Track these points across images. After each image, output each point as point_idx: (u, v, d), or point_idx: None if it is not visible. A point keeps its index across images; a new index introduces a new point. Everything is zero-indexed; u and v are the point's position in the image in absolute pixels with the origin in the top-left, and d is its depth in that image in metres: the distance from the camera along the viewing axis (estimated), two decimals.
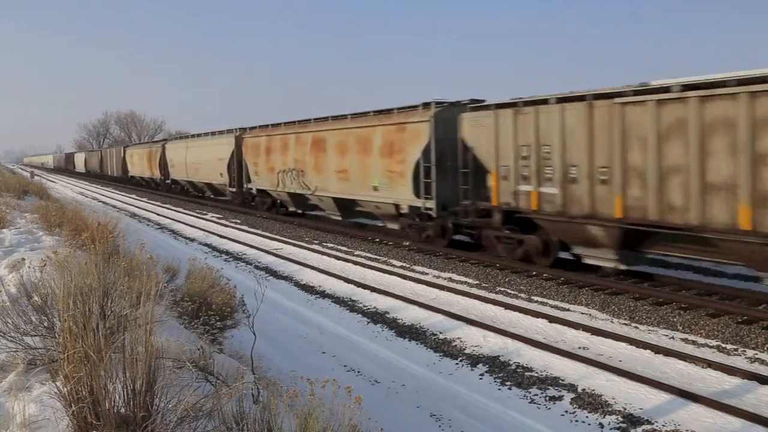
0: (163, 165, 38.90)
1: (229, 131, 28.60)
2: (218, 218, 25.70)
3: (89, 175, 72.19)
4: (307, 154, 20.59)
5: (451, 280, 12.77)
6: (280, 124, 24.01)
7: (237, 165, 26.76)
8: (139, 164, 46.14)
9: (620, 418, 6.38)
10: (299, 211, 23.55)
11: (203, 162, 31.02)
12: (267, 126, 25.18)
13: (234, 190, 27.54)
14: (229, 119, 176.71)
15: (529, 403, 6.94)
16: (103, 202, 35.18)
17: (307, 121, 21.71)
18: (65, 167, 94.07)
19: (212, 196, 33.08)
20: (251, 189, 25.72)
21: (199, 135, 33.73)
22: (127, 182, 52.00)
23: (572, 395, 6.99)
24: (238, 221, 24.33)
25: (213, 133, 31.33)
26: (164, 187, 40.72)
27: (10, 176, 34.38)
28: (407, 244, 16.81)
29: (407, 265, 14.41)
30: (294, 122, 22.86)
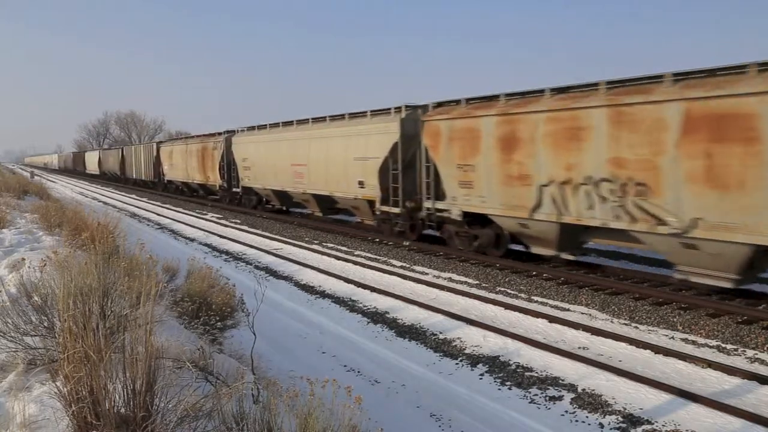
0: (227, 167, 28.44)
1: (377, 112, 17.80)
2: (218, 218, 25.69)
3: (104, 179, 61.28)
4: (667, 149, 9.67)
5: (451, 280, 12.77)
6: (540, 91, 12.45)
7: (402, 168, 16.21)
8: (183, 166, 34.33)
9: (620, 418, 6.38)
10: (567, 257, 12.77)
11: (318, 163, 20.05)
12: (490, 98, 13.72)
13: (396, 210, 16.53)
14: (229, 119, 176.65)
15: (529, 403, 6.94)
16: (103, 202, 35.18)
17: (643, 80, 10.40)
18: (73, 168, 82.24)
19: (320, 215, 22.10)
20: (446, 212, 14.69)
21: (301, 121, 21.86)
22: (162, 189, 40.38)
23: (572, 395, 6.99)
24: (238, 221, 24.32)
25: (338, 117, 19.80)
26: (227, 198, 29.22)
27: (10, 176, 34.39)
28: (407, 244, 16.71)
29: (407, 265, 14.41)
30: (585, 87, 11.55)
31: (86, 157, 72.51)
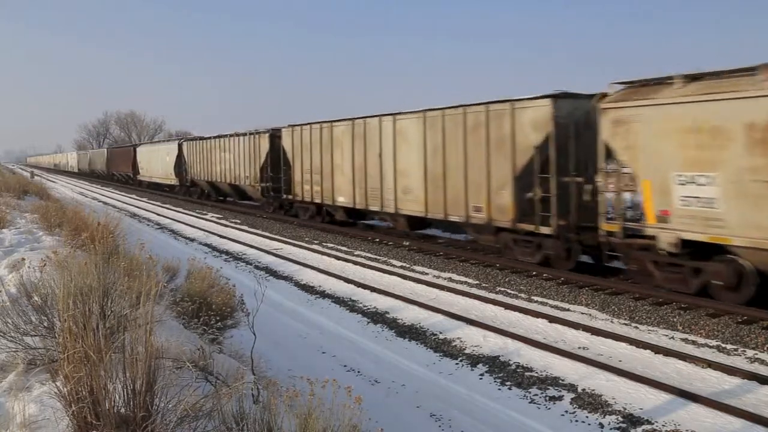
0: None
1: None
2: (218, 218, 25.68)
3: (187, 198, 33.70)
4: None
5: (451, 280, 12.77)
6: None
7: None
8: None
9: (620, 418, 6.38)
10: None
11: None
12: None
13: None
14: (229, 119, 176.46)
15: (529, 403, 6.94)
16: (103, 202, 35.17)
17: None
18: (108, 172, 53.73)
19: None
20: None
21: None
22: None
23: (572, 395, 6.99)
24: (238, 221, 24.32)
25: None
26: None
27: (10, 176, 34.39)
28: (407, 243, 16.76)
29: (407, 265, 14.41)
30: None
31: (139, 155, 41.77)
